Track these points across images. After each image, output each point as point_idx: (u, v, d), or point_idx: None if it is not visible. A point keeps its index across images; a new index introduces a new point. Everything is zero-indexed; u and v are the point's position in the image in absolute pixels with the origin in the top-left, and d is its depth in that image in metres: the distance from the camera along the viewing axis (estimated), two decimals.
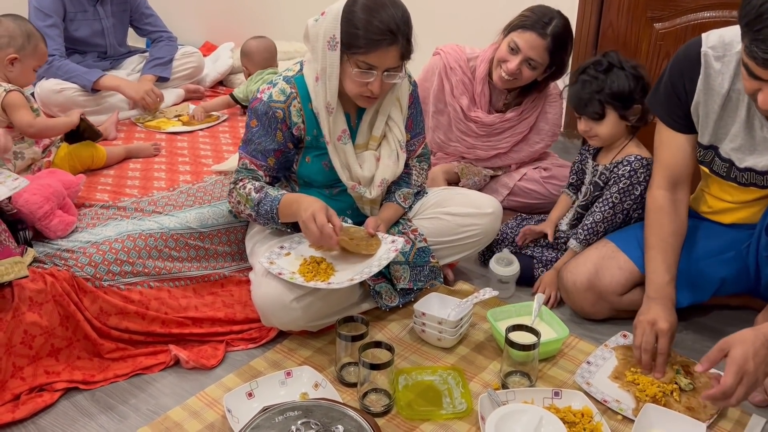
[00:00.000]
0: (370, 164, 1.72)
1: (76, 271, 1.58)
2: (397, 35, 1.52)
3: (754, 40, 1.20)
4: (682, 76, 1.55)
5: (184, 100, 2.89)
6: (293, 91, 1.63)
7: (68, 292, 1.54)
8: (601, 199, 1.86)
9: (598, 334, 1.75)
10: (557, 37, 2.01)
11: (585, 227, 1.87)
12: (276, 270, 1.57)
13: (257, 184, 1.65)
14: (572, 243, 1.90)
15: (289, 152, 1.68)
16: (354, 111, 1.71)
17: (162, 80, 2.84)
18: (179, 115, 2.71)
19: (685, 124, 1.60)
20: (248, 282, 1.76)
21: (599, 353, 1.62)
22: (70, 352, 1.56)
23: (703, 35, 1.51)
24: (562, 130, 2.80)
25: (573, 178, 2.06)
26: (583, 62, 1.94)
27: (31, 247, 1.63)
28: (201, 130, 2.55)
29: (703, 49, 1.49)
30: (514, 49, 2.04)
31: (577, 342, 1.69)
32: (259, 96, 1.65)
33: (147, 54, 2.93)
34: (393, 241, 1.66)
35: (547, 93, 2.23)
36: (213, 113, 2.70)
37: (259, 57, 2.66)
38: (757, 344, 1.26)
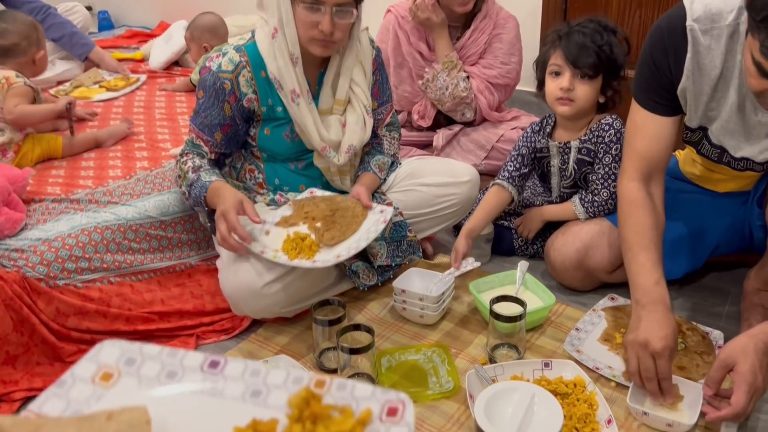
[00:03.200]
0: (336, 129, 1.62)
1: (27, 271, 1.47)
2: None
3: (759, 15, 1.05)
4: (666, 54, 1.36)
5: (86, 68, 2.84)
6: (243, 59, 1.54)
7: (19, 294, 1.42)
8: (598, 175, 1.71)
9: (586, 298, 1.69)
10: None
11: (593, 207, 1.73)
12: (258, 248, 1.46)
13: (197, 162, 1.56)
14: (579, 210, 1.75)
15: (238, 127, 1.59)
16: (314, 77, 1.62)
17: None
18: (98, 82, 2.68)
19: (669, 107, 1.42)
20: (217, 270, 1.66)
21: (588, 318, 1.56)
22: (27, 359, 1.45)
23: (686, 3, 1.31)
24: (536, 90, 2.75)
25: (511, 166, 1.83)
26: (559, 25, 1.80)
27: None
28: (125, 95, 2.61)
29: (688, 23, 1.30)
30: None
31: (564, 309, 1.63)
32: (207, 65, 1.55)
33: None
34: (381, 211, 1.57)
35: (497, 16, 2.22)
36: (132, 76, 2.76)
37: (210, 35, 2.53)
38: (759, 354, 1.17)
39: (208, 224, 1.62)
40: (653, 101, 1.43)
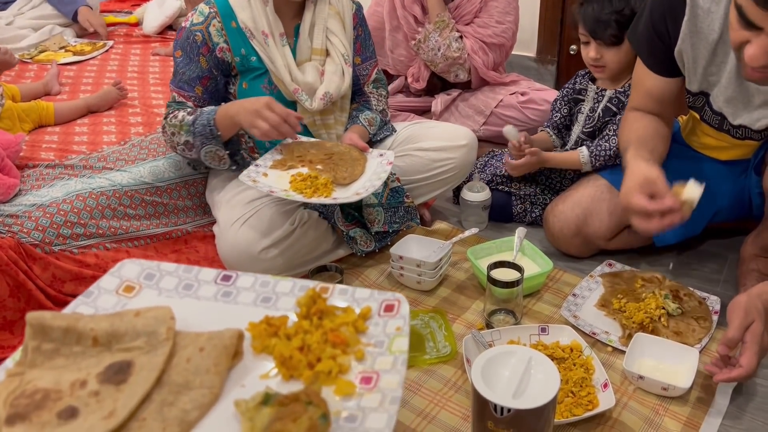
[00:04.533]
0: (314, 74, 1.60)
1: (22, 237, 1.46)
2: None
3: None
4: (665, 17, 1.38)
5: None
6: (212, 10, 1.54)
7: (15, 260, 1.42)
8: (615, 124, 1.72)
9: (583, 264, 1.69)
10: None
11: (597, 151, 1.73)
12: (265, 188, 1.43)
13: (189, 110, 1.55)
14: (583, 154, 1.74)
15: (216, 80, 1.58)
16: (291, 29, 1.61)
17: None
18: (63, 47, 2.65)
19: (667, 68, 1.44)
20: (213, 237, 1.65)
21: (585, 284, 1.56)
22: (24, 324, 1.45)
23: None
24: (535, 55, 2.71)
25: (557, 116, 1.88)
26: None
27: None
28: (93, 58, 2.59)
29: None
30: None
31: (562, 275, 1.63)
32: (183, 25, 1.55)
33: None
34: (381, 155, 1.57)
35: None
36: (98, 41, 2.75)
37: None
38: (764, 315, 1.17)
39: (225, 154, 1.56)
40: (652, 61, 1.45)
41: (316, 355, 0.77)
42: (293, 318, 0.84)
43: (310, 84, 1.58)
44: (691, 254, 1.73)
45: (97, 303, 0.83)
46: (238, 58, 1.55)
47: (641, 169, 1.33)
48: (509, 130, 1.77)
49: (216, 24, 1.53)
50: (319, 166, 1.50)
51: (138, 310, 0.78)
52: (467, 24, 2.20)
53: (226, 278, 0.88)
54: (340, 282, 1.43)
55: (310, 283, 0.86)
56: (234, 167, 1.59)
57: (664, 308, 1.44)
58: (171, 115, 1.56)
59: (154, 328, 0.75)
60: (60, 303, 1.48)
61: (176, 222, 1.74)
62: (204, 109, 1.53)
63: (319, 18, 1.61)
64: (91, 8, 2.83)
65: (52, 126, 1.98)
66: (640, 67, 1.51)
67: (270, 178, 1.47)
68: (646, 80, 1.50)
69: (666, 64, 1.44)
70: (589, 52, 1.70)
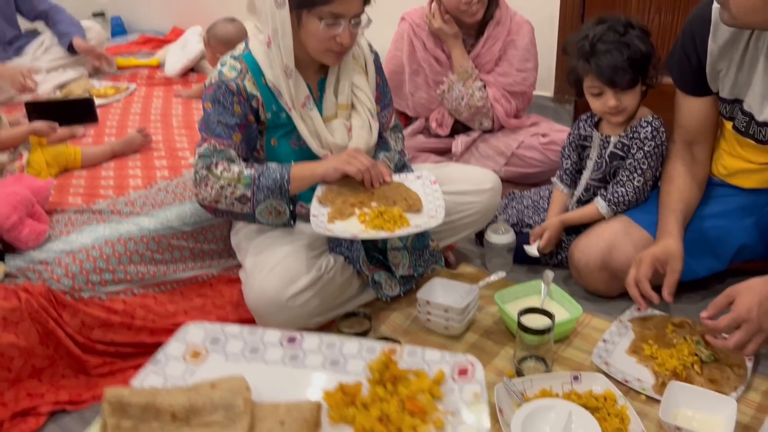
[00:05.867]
0: (341, 133, 1.61)
1: (53, 283, 1.47)
2: None
3: None
4: (693, 38, 1.51)
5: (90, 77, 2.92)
6: (243, 66, 1.52)
7: (45, 307, 1.43)
8: (627, 168, 1.73)
9: (611, 308, 1.67)
10: None
11: (614, 198, 1.74)
12: (346, 234, 1.42)
13: (242, 163, 1.51)
14: (602, 205, 1.76)
15: (251, 127, 1.55)
16: (314, 83, 1.61)
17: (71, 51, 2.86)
18: (88, 90, 2.69)
19: (697, 87, 1.56)
20: (239, 281, 1.65)
21: (615, 329, 1.55)
22: (53, 372, 1.45)
23: None
24: (552, 95, 2.73)
25: (567, 163, 1.89)
26: (576, 29, 1.81)
27: (2, 261, 1.51)
28: (117, 101, 2.65)
29: (715, 5, 1.43)
30: None
31: (591, 319, 1.61)
32: (212, 81, 1.53)
33: (44, 37, 2.91)
34: (418, 177, 1.60)
35: (511, 22, 2.20)
36: (121, 84, 2.80)
37: (225, 48, 2.50)
38: (763, 294, 1.25)
39: (287, 209, 1.52)
40: (683, 82, 1.60)
41: (397, 426, 0.76)
42: (366, 384, 0.82)
43: (339, 145, 1.59)
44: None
45: (165, 371, 0.83)
46: (269, 114, 1.54)
47: (669, 243, 1.53)
48: (529, 250, 1.81)
49: (249, 78, 1.51)
50: (374, 203, 1.50)
51: (213, 381, 0.77)
52: (488, 72, 2.22)
53: (292, 340, 0.87)
54: (369, 329, 1.42)
55: (376, 345, 0.85)
56: (292, 222, 1.56)
57: (696, 354, 1.42)
58: (220, 168, 1.48)
59: (230, 401, 0.75)
60: (88, 350, 1.48)
61: (202, 266, 1.74)
62: (270, 164, 1.51)
63: (344, 73, 1.62)
64: (84, 39, 2.88)
65: (79, 170, 2.00)
66: (677, 93, 1.63)
67: (338, 224, 1.46)
68: (682, 104, 1.63)
69: (696, 84, 1.56)
70: (608, 101, 1.69)
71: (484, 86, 2.19)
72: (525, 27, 2.22)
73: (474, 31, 2.22)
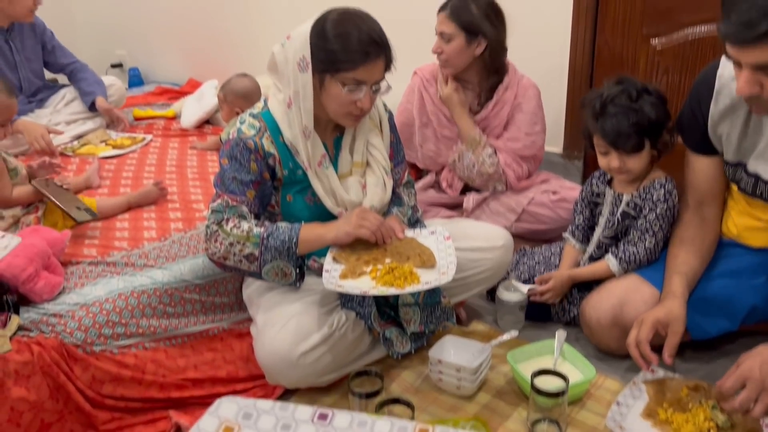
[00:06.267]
0: (356, 190, 1.63)
1: (65, 337, 1.47)
2: (381, 46, 1.48)
3: (723, 19, 1.24)
4: (699, 101, 1.57)
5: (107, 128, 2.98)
6: (262, 125, 1.55)
7: (57, 361, 1.42)
8: (638, 229, 1.74)
9: (624, 369, 1.66)
10: (455, 5, 2.10)
11: (626, 257, 1.75)
12: (356, 290, 1.42)
13: (252, 220, 1.53)
14: (613, 263, 1.77)
15: (266, 184, 1.57)
16: (330, 141, 1.64)
17: (92, 109, 2.93)
18: (104, 140, 2.77)
19: (704, 147, 1.60)
20: (249, 334, 1.66)
21: (628, 392, 1.52)
22: (61, 427, 1.44)
23: (723, 58, 1.48)
24: (561, 151, 2.77)
25: (580, 218, 1.90)
26: (585, 87, 1.86)
27: (17, 312, 1.52)
28: (132, 151, 2.68)
29: (719, 71, 1.50)
30: (438, 33, 2.16)
31: (604, 380, 1.60)
32: (230, 138, 1.55)
33: (65, 91, 2.99)
34: (432, 233, 1.60)
35: (519, 85, 2.22)
36: (137, 135, 2.85)
37: (242, 101, 2.57)
38: (765, 355, 1.28)
39: (293, 271, 1.53)
40: (692, 142, 1.64)
41: None
42: None
43: (354, 202, 1.61)
44: (732, 360, 1.69)
45: None
46: (286, 171, 1.57)
47: (672, 305, 1.55)
48: (519, 285, 1.84)
49: (268, 137, 1.54)
50: (387, 260, 1.50)
51: None
52: (497, 137, 2.24)
53: (323, 417, 0.88)
54: (381, 388, 1.41)
55: (408, 425, 0.86)
56: (298, 283, 1.56)
57: (712, 420, 1.40)
58: (231, 224, 1.50)
59: None
60: (97, 405, 1.47)
61: (213, 319, 1.74)
62: (279, 224, 1.52)
63: (360, 132, 1.65)
64: (105, 98, 2.96)
65: (94, 221, 2.02)
66: (687, 152, 1.67)
67: (349, 281, 1.46)
68: (692, 163, 1.66)
69: (703, 143, 1.60)
70: (611, 162, 1.72)
71: (495, 152, 2.22)
72: (531, 91, 2.23)
73: (482, 95, 2.25)
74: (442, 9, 2.14)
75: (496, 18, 2.11)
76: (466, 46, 2.11)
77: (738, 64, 1.28)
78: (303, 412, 0.88)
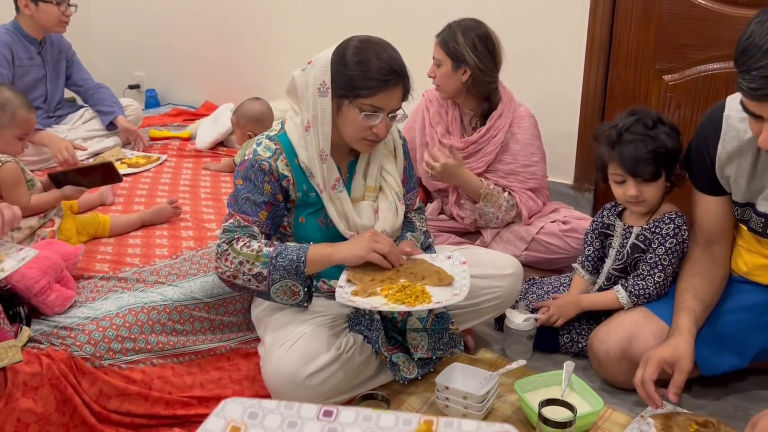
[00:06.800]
0: (368, 214, 1.64)
1: (75, 350, 1.48)
2: (400, 75, 1.51)
3: (741, 73, 1.22)
4: (706, 141, 1.57)
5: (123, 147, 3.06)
6: (278, 147, 1.58)
7: (65, 374, 1.43)
8: (648, 263, 1.74)
9: (632, 402, 1.64)
10: (445, 34, 2.17)
11: (635, 291, 1.74)
12: (367, 306, 1.43)
13: (262, 240, 1.54)
14: (622, 294, 1.76)
15: (278, 206, 1.58)
16: (345, 165, 1.66)
17: (110, 128, 3.04)
18: (120, 159, 2.83)
19: (711, 187, 1.60)
20: (256, 354, 1.66)
21: (636, 425, 1.51)
22: None
23: (728, 99, 1.51)
24: (572, 183, 2.78)
25: (590, 250, 1.91)
26: (597, 118, 1.87)
27: (29, 324, 1.53)
28: (147, 170, 2.74)
29: (725, 113, 1.51)
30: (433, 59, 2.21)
31: (611, 413, 1.58)
32: (246, 159, 1.58)
33: (84, 110, 3.09)
34: (449, 257, 1.61)
35: (514, 114, 2.24)
36: (152, 155, 2.92)
37: (255, 124, 2.61)
38: None
39: (302, 290, 1.53)
40: (698, 182, 1.64)
41: None
42: None
43: (366, 226, 1.62)
44: (743, 398, 1.68)
45: None
46: (299, 193, 1.59)
47: (678, 342, 1.53)
48: (514, 314, 1.84)
49: (283, 159, 1.56)
50: (402, 280, 1.51)
51: None
52: (491, 163, 2.24)
53: (328, 414, 0.89)
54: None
55: (413, 417, 0.86)
56: (306, 303, 1.57)
57: None
58: (241, 244, 1.50)
59: None
60: (103, 419, 1.47)
61: (221, 338, 1.75)
62: (288, 245, 1.53)
63: (374, 157, 1.67)
64: (125, 117, 3.05)
65: (107, 237, 2.05)
66: (694, 192, 1.66)
67: (360, 297, 1.47)
68: (699, 203, 1.66)
69: (711, 183, 1.59)
70: (628, 190, 1.72)
71: (508, 193, 2.23)
72: (527, 121, 2.24)
73: (475, 120, 2.28)
74: (436, 36, 2.21)
75: (485, 49, 2.15)
76: (453, 72, 2.17)
77: (754, 116, 1.27)
78: (308, 409, 0.88)
